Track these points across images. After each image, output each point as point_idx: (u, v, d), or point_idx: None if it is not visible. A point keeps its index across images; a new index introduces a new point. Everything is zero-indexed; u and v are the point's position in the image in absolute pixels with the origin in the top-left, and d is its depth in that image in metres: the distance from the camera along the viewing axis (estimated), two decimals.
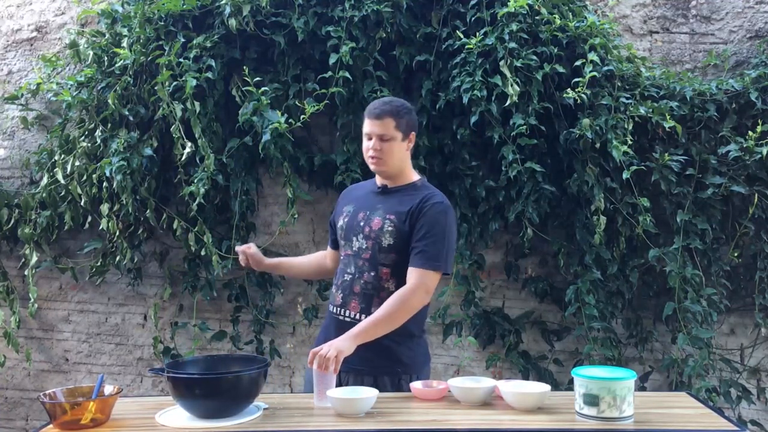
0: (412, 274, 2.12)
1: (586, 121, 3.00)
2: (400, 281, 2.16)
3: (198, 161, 3.19)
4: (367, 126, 2.21)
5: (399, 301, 2.09)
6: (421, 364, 2.24)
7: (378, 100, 2.28)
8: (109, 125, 3.31)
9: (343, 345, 1.99)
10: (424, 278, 2.11)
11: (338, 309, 2.22)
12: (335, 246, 2.41)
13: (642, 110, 3.07)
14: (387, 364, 2.14)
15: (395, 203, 2.21)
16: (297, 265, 2.61)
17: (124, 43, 3.27)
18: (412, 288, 2.10)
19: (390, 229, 2.16)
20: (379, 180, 2.30)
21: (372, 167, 2.24)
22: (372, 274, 2.17)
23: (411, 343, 2.20)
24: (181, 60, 3.13)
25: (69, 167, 3.32)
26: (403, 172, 2.26)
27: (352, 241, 2.23)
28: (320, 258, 2.55)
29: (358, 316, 2.16)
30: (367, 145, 2.21)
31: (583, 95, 2.98)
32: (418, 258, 2.12)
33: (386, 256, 2.16)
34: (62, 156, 3.38)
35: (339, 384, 2.04)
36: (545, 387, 1.88)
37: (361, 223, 2.22)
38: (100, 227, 3.34)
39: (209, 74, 3.11)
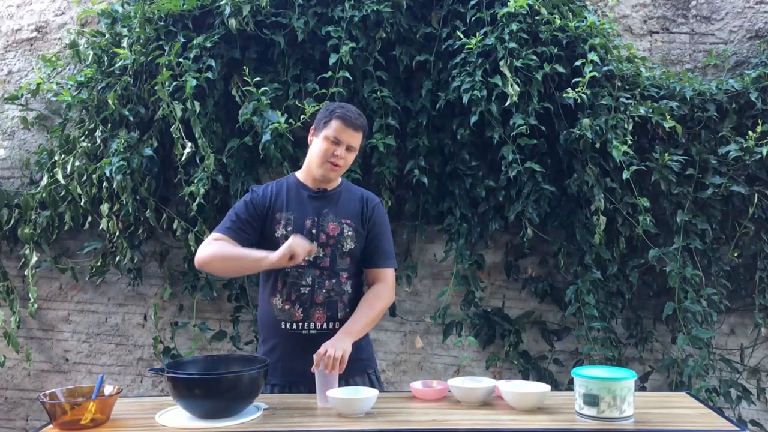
0: (382, 274, 2.23)
1: (586, 121, 3.00)
2: (355, 282, 2.23)
3: (198, 161, 3.19)
4: (341, 132, 2.16)
5: (380, 300, 2.18)
6: (374, 358, 2.34)
7: (350, 109, 2.22)
8: (109, 125, 3.32)
9: (345, 344, 2.01)
10: (392, 276, 2.26)
11: (299, 324, 2.15)
12: (241, 242, 2.14)
13: (642, 110, 3.07)
14: (355, 364, 2.14)
15: (343, 207, 2.22)
16: None
17: (124, 43, 3.28)
18: (388, 287, 2.22)
19: (350, 233, 2.19)
20: (311, 183, 2.24)
21: (326, 172, 2.18)
22: (333, 281, 2.17)
23: (367, 337, 2.27)
24: (181, 60, 3.13)
25: (69, 167, 3.33)
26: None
27: None
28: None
29: (325, 326, 2.15)
30: (331, 149, 2.16)
31: (583, 95, 2.98)
32: (384, 258, 2.24)
33: (344, 261, 2.19)
34: (62, 156, 3.38)
35: None
36: (545, 387, 1.88)
37: (313, 231, 2.17)
38: (100, 227, 3.34)
39: (209, 74, 3.11)
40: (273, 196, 2.23)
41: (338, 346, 1.99)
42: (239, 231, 2.17)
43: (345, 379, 2.09)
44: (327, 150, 2.17)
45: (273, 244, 2.10)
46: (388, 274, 2.24)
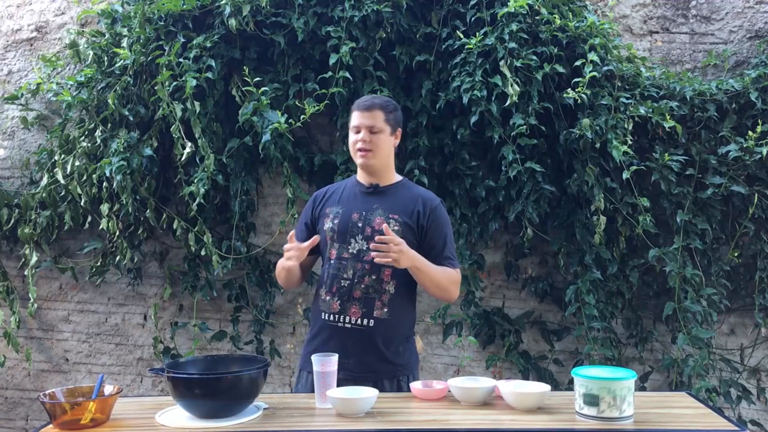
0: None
1: (586, 121, 3.00)
2: (400, 282, 2.17)
3: (198, 161, 3.19)
4: (356, 118, 2.22)
5: (450, 277, 2.19)
6: (414, 364, 2.27)
7: (365, 96, 2.32)
8: (109, 125, 3.32)
9: (406, 254, 2.05)
10: (458, 276, 2.25)
11: (336, 316, 2.17)
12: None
13: (642, 110, 3.07)
14: (386, 368, 2.16)
15: (394, 202, 2.21)
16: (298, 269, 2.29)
17: (124, 43, 3.28)
18: (458, 277, 2.24)
19: (396, 228, 2.16)
20: (365, 179, 2.28)
21: (360, 161, 2.23)
22: (373, 277, 2.15)
23: (406, 344, 2.24)
24: (181, 60, 3.13)
25: (69, 167, 3.33)
26: (389, 170, 2.29)
27: (350, 243, 2.19)
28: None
29: (359, 322, 2.15)
30: (355, 138, 2.22)
31: (583, 95, 2.98)
32: (447, 258, 2.21)
33: None
34: (62, 156, 3.38)
35: None
36: (545, 387, 1.88)
37: (359, 224, 2.19)
38: (100, 227, 3.34)
39: (209, 74, 3.11)
40: (327, 195, 2.33)
41: (402, 249, 2.03)
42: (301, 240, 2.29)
43: (373, 381, 2.06)
44: (353, 141, 2.23)
45: (323, 236, 2.24)
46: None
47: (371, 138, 2.19)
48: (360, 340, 2.14)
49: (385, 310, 2.15)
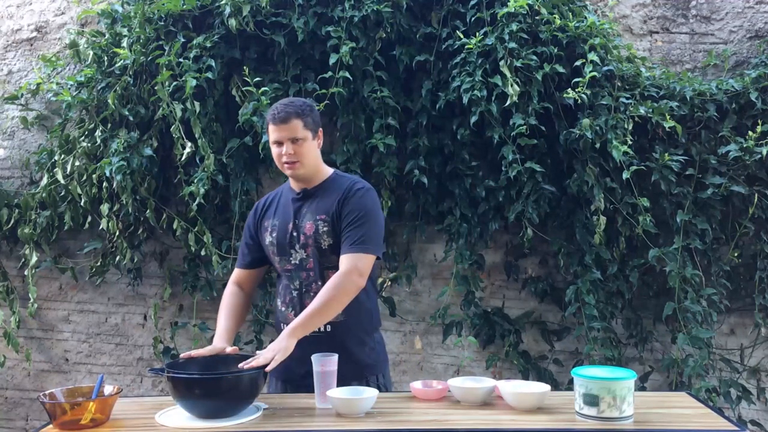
0: (344, 260, 2.07)
1: (586, 121, 3.00)
2: None
3: (198, 161, 3.19)
4: (275, 132, 2.13)
5: (332, 288, 2.03)
6: (383, 363, 2.25)
7: (279, 105, 2.17)
8: (109, 125, 3.32)
9: (282, 348, 1.93)
10: (355, 261, 2.06)
11: None
12: (251, 265, 2.31)
13: (642, 110, 3.07)
14: (353, 369, 2.11)
15: (321, 202, 2.16)
16: (237, 321, 2.30)
17: (124, 43, 3.28)
18: (343, 272, 2.05)
19: (325, 229, 2.11)
20: (295, 185, 2.23)
21: (289, 173, 2.17)
22: (319, 283, 2.11)
23: (372, 343, 2.21)
24: (181, 60, 3.13)
25: (69, 167, 3.33)
26: (319, 171, 2.22)
27: (291, 254, 2.16)
28: (239, 296, 2.30)
29: (316, 328, 2.10)
30: (278, 151, 2.14)
31: (583, 95, 2.98)
32: (348, 243, 2.08)
33: (328, 259, 2.12)
34: (62, 156, 3.38)
35: None
36: (545, 387, 1.88)
37: (294, 233, 2.16)
38: (100, 227, 3.34)
39: (209, 74, 3.11)
40: (265, 206, 2.30)
41: (272, 348, 1.92)
42: (245, 257, 2.32)
43: (339, 385, 2.02)
44: (277, 154, 2.16)
45: (266, 251, 2.25)
46: (348, 260, 2.06)
47: (295, 149, 2.12)
48: (321, 346, 2.07)
49: (340, 312, 2.11)
